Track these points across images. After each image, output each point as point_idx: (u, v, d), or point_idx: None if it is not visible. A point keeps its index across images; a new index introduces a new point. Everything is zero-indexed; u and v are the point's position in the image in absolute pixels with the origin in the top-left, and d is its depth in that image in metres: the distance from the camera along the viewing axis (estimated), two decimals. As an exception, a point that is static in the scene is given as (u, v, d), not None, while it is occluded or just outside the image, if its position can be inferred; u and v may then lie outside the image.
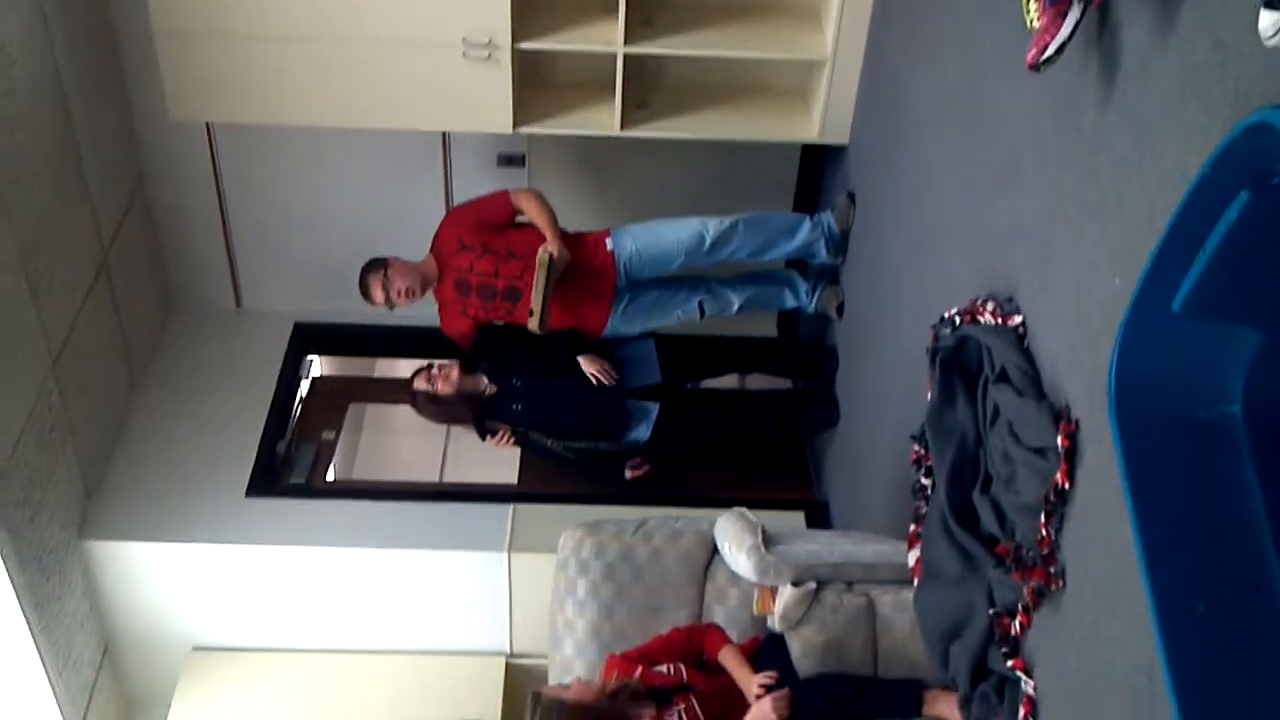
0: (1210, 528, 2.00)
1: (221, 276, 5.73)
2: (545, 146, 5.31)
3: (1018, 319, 2.91)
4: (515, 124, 4.74)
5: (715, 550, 3.83)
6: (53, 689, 4.53)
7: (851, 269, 4.80)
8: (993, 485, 2.92)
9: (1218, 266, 1.80)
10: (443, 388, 4.73)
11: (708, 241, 4.71)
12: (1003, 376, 2.87)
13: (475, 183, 5.16)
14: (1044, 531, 2.65)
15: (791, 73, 5.01)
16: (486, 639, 5.05)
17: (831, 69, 4.67)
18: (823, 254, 4.83)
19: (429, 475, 6.43)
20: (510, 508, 4.98)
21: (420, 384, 4.77)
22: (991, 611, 2.85)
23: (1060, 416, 2.62)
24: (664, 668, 3.45)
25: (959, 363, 3.07)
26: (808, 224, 4.83)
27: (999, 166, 3.15)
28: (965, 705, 3.01)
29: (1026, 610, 2.77)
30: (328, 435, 5.69)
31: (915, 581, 3.22)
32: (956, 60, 3.55)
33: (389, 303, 4.71)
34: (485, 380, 4.78)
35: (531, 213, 4.64)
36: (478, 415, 4.84)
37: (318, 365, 6.10)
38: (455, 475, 6.39)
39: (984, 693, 2.93)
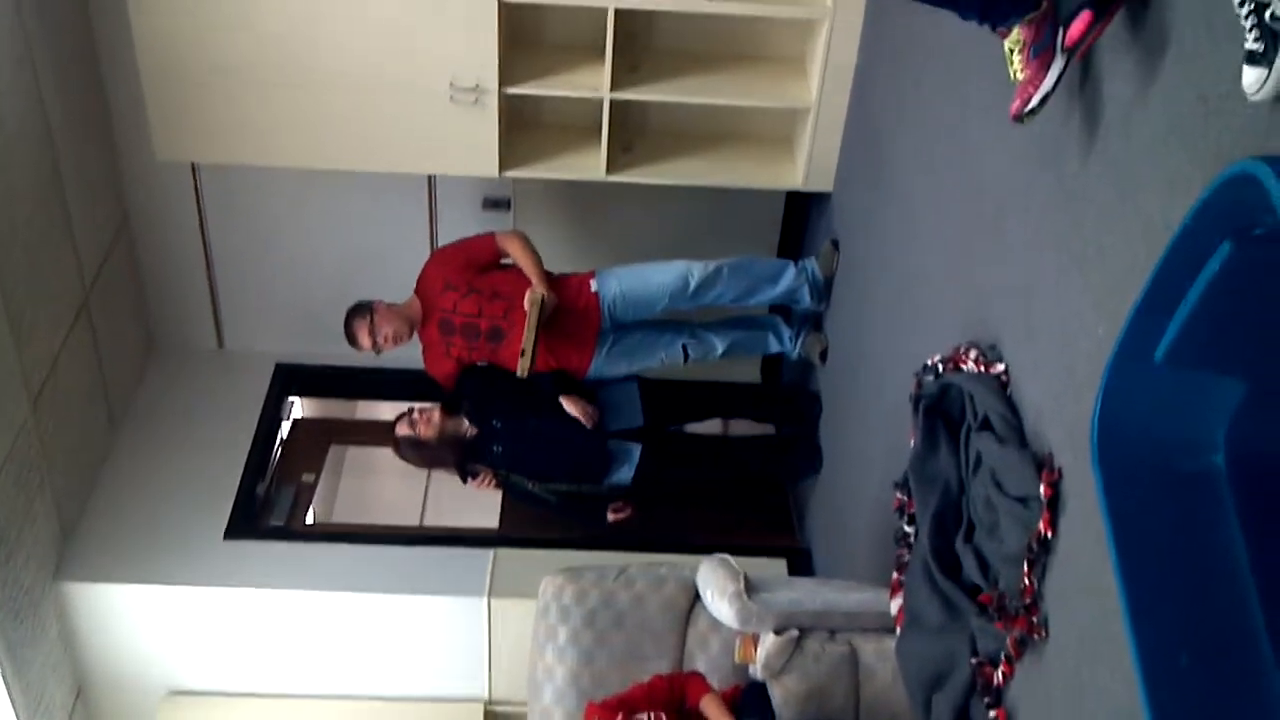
0: (1194, 578, 1.99)
1: (204, 316, 5.72)
2: (531, 189, 5.32)
3: (1000, 367, 2.91)
4: (501, 168, 4.77)
5: (697, 597, 3.81)
6: (24, 733, 4.47)
7: (835, 315, 4.81)
8: (975, 533, 2.91)
9: (1200, 317, 1.81)
10: (425, 431, 4.72)
11: (692, 285, 4.72)
12: (985, 424, 2.87)
13: (460, 225, 5.16)
14: (1027, 581, 2.65)
15: (776, 120, 5.04)
16: (465, 685, 5.00)
17: (816, 117, 4.70)
18: (806, 300, 4.84)
19: (410, 519, 6.38)
20: (491, 552, 4.95)
21: (403, 429, 4.76)
22: (974, 661, 2.83)
23: (1043, 465, 2.62)
24: (645, 715, 3.42)
25: (942, 410, 3.07)
26: (792, 270, 4.84)
27: (983, 215, 3.16)
28: (948, 756, 2.98)
29: (1009, 660, 2.75)
30: (308, 477, 5.66)
31: (898, 630, 3.21)
32: (940, 110, 3.57)
33: (375, 348, 4.70)
34: (466, 423, 4.77)
35: (516, 254, 4.64)
36: (460, 458, 4.82)
37: (299, 406, 6.08)
38: (436, 519, 6.35)
39: (967, 743, 2.91)
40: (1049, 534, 2.59)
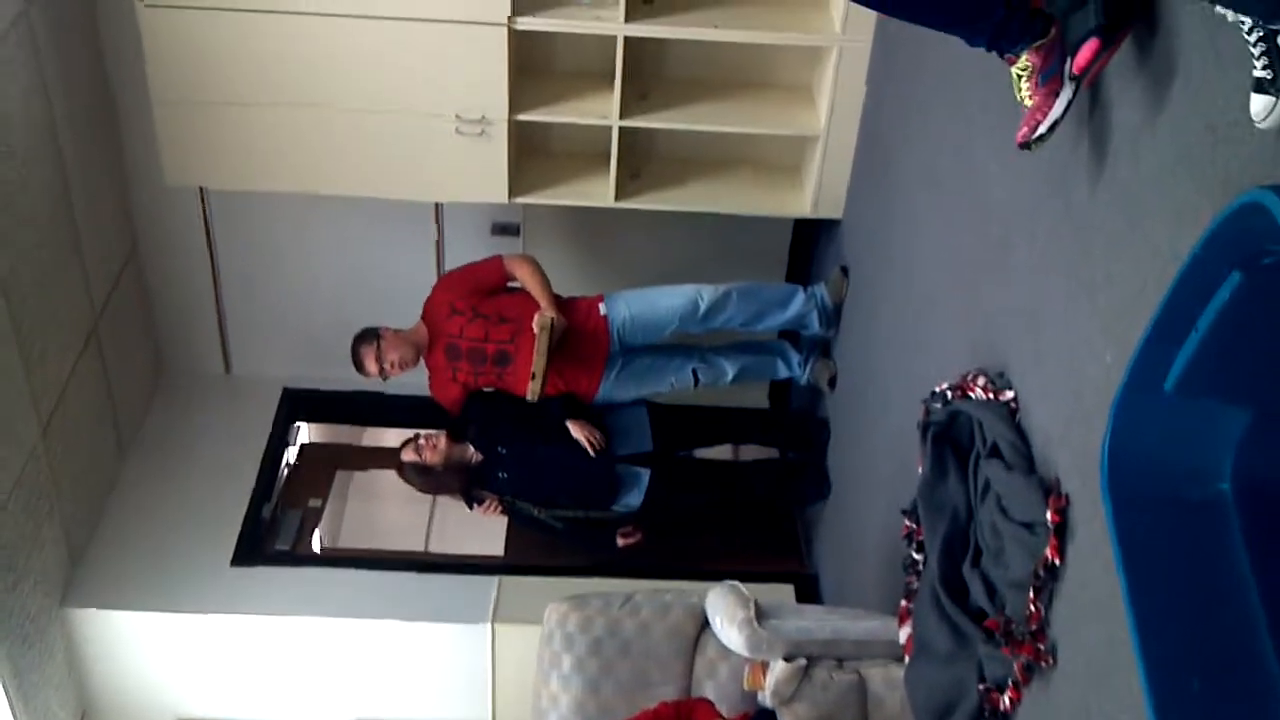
0: (1203, 605, 1.99)
1: (212, 342, 5.74)
2: (540, 215, 5.34)
3: (1009, 394, 2.92)
4: (511, 194, 4.78)
5: (705, 624, 3.80)
6: (29, 759, 4.47)
7: (844, 342, 4.81)
8: (983, 559, 2.91)
9: (1210, 346, 1.81)
10: (431, 457, 4.73)
11: (702, 309, 4.73)
12: (994, 451, 2.87)
13: (468, 251, 5.18)
14: (1033, 607, 2.64)
15: (785, 148, 5.06)
16: (470, 712, 4.99)
17: (825, 145, 4.71)
18: (815, 326, 4.85)
19: (415, 544, 6.38)
20: (496, 579, 4.95)
21: (408, 455, 4.77)
22: (982, 687, 2.83)
23: (1051, 491, 2.62)
24: (652, 742, 3.42)
25: (951, 437, 3.07)
26: (801, 296, 4.86)
27: (991, 242, 3.16)
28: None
29: (1017, 686, 2.75)
30: (314, 503, 5.66)
31: (907, 658, 3.20)
32: (949, 137, 3.58)
33: (382, 375, 4.71)
34: (472, 449, 4.78)
35: (525, 278, 4.65)
36: (465, 484, 4.82)
37: (305, 431, 6.09)
38: (441, 545, 6.35)
39: (976, 771, 2.90)
40: (1056, 560, 2.58)
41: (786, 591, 4.97)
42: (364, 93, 4.52)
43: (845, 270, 4.78)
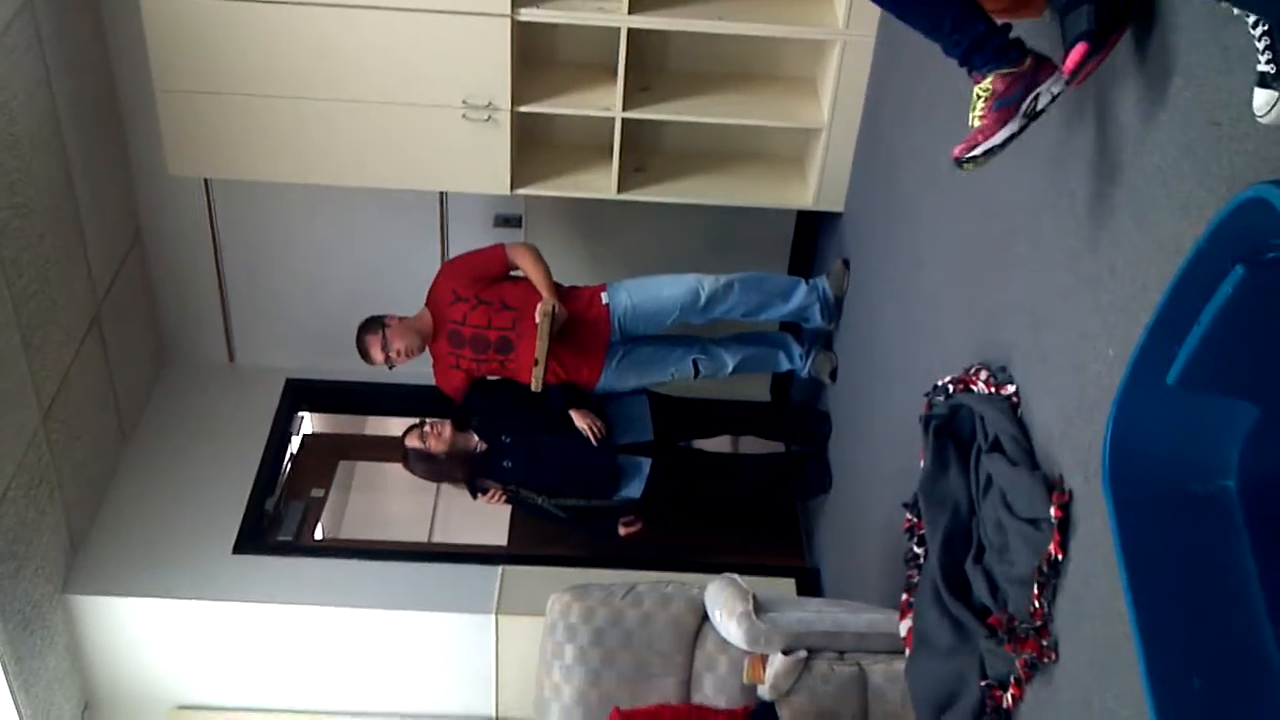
0: (1206, 602, 1.98)
1: (215, 331, 5.73)
2: (542, 207, 5.33)
3: (1011, 388, 2.91)
4: (513, 186, 4.77)
5: (705, 617, 3.80)
6: (31, 746, 4.47)
7: (845, 334, 4.81)
8: (985, 555, 2.90)
9: (1213, 340, 1.80)
10: (435, 445, 4.73)
11: (703, 299, 4.72)
12: (996, 446, 2.86)
13: (472, 241, 5.15)
14: (1037, 603, 2.63)
15: (788, 140, 5.05)
16: (473, 702, 5.00)
17: (828, 137, 4.70)
18: (817, 318, 4.84)
19: (418, 535, 6.39)
20: (499, 569, 4.95)
21: (413, 441, 4.76)
22: (983, 683, 2.82)
23: (1053, 487, 2.61)
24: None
25: (952, 431, 3.06)
26: (803, 287, 4.85)
27: (994, 236, 3.15)
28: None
29: (1019, 683, 2.74)
30: (317, 492, 5.67)
31: (907, 652, 3.19)
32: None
33: (388, 363, 4.70)
34: (476, 438, 4.77)
35: (526, 267, 4.65)
36: (469, 473, 4.82)
37: (308, 422, 6.09)
38: (445, 535, 6.35)
39: (976, 766, 2.89)
40: (1059, 556, 2.57)
41: (788, 585, 4.96)
42: (367, 83, 4.50)
43: (847, 263, 4.77)
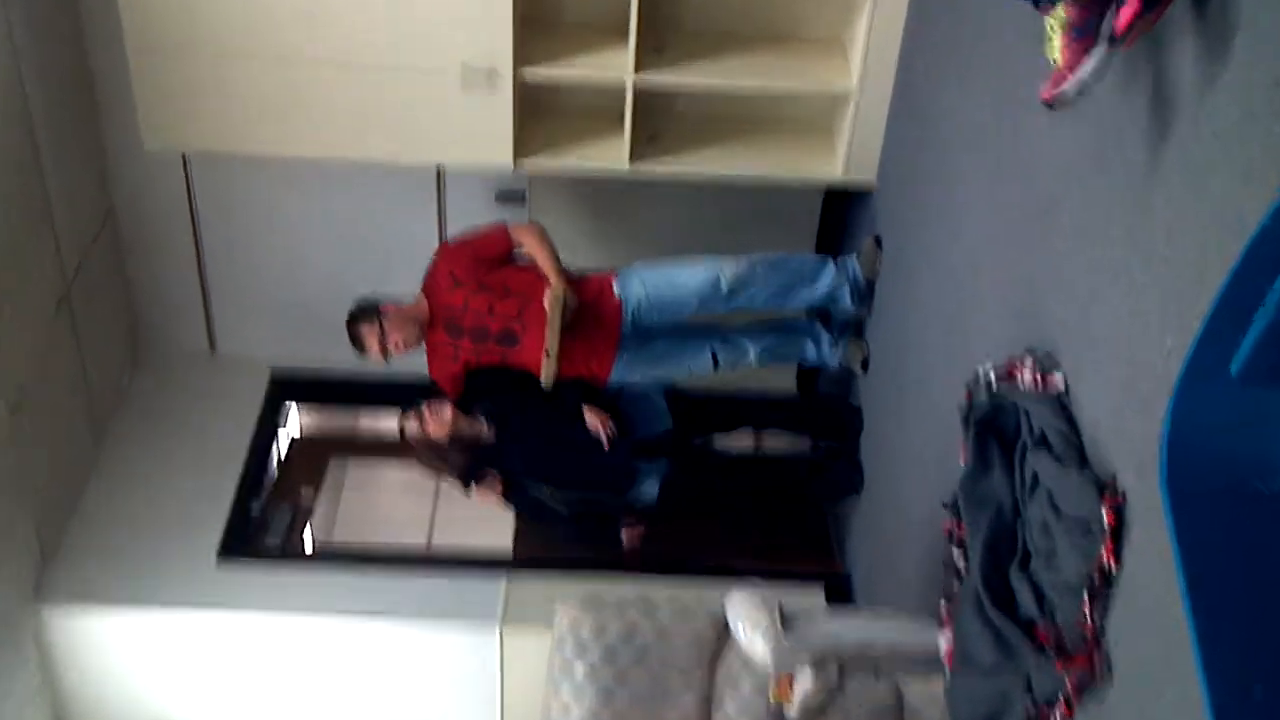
0: (1269, 606, 1.97)
1: (195, 318, 5.74)
2: (548, 181, 5.31)
3: (1058, 377, 2.88)
4: (516, 158, 4.75)
5: (727, 630, 3.77)
6: (-2, 770, 4.49)
7: (878, 320, 4.78)
8: (1031, 561, 2.87)
9: (1280, 327, 1.77)
10: (435, 429, 4.65)
11: (724, 286, 4.68)
12: (1042, 441, 2.83)
13: (472, 219, 5.13)
14: (1087, 615, 2.61)
15: (814, 107, 5.01)
16: (476, 720, 5.00)
17: (858, 103, 4.67)
18: (847, 302, 4.81)
19: (416, 538, 6.39)
20: (504, 577, 4.95)
21: (408, 425, 4.69)
22: (1030, 703, 2.79)
23: (1105, 487, 2.58)
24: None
25: (995, 425, 3.04)
26: (831, 268, 4.81)
27: (1039, 209, 3.13)
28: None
29: (1068, 702, 2.71)
30: (306, 494, 5.71)
31: (947, 669, 3.17)
32: (992, 94, 3.54)
33: (384, 355, 4.66)
34: (484, 422, 4.71)
35: (532, 248, 4.61)
36: (467, 464, 4.76)
37: (296, 417, 6.09)
38: (445, 538, 6.35)
39: (1021, 792, 2.87)
40: (1112, 563, 2.55)
41: (816, 591, 4.95)
42: (358, 46, 4.48)
43: (879, 241, 4.74)
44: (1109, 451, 2.64)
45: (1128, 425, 2.55)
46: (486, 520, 5.43)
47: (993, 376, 3.12)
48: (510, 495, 4.84)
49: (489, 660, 4.82)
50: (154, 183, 5.31)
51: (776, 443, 5.60)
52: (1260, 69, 2.08)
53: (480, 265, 4.64)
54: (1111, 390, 2.64)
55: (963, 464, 3.11)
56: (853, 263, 4.81)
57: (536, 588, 4.88)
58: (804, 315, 5.16)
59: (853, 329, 4.97)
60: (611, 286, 4.69)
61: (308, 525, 5.64)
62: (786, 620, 3.61)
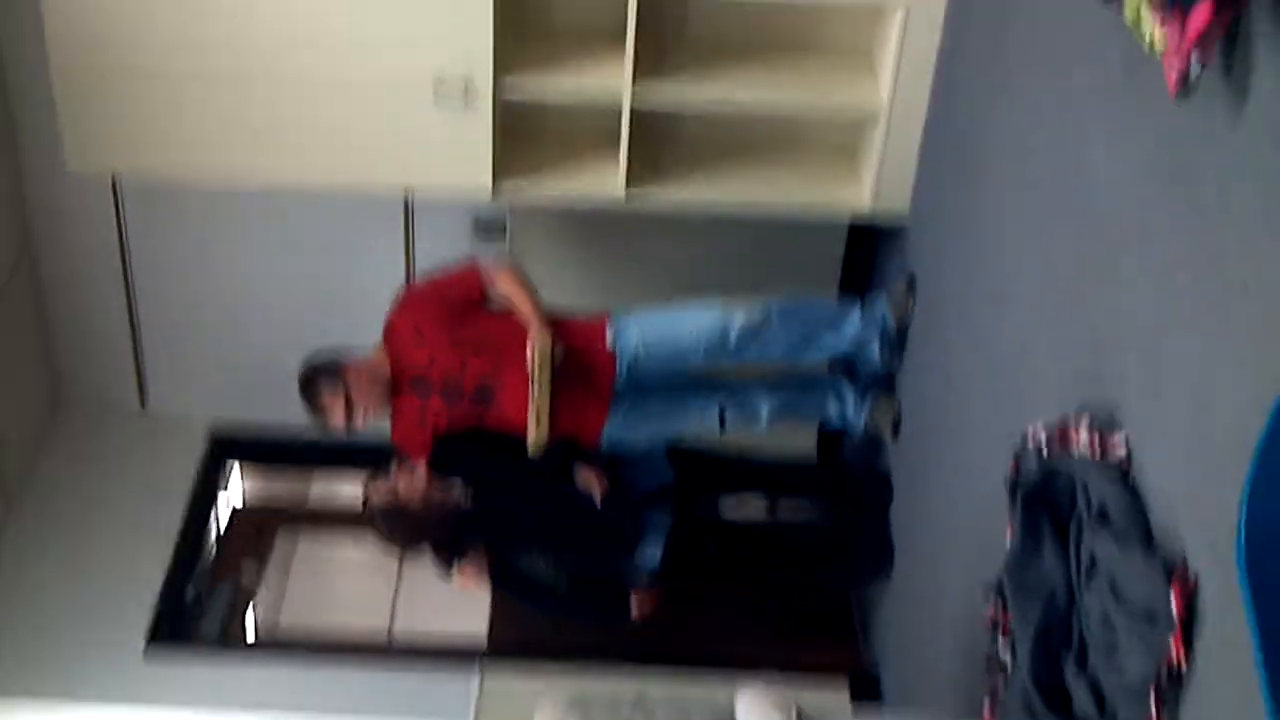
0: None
1: (123, 370, 5.76)
2: (531, 211, 5.35)
3: (1119, 439, 2.86)
4: (495, 183, 4.76)
5: (736, 733, 3.74)
6: None
7: (910, 375, 4.78)
8: (1090, 657, 2.85)
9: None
10: (406, 492, 4.60)
11: (733, 336, 4.69)
12: (1101, 516, 2.81)
13: (444, 256, 5.14)
14: (1154, 719, 2.57)
15: (838, 128, 5.04)
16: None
17: (888, 124, 4.69)
18: (875, 354, 4.81)
19: (376, 624, 6.37)
20: (477, 669, 4.95)
21: (376, 493, 4.64)
22: (1087, 823, 2.76)
23: (1173, 571, 2.56)
24: None
25: (1047, 498, 3.03)
26: (857, 314, 4.81)
27: (1096, 245, 3.14)
28: None
29: (1132, 822, 2.67)
30: (249, 572, 5.74)
31: (990, 782, 3.14)
32: (1043, 114, 3.56)
33: (349, 425, 4.60)
34: (460, 486, 4.67)
35: (510, 292, 4.61)
36: (445, 539, 4.73)
37: (239, 482, 6.09)
38: (409, 624, 6.33)
39: None
40: (1182, 659, 2.52)
41: (839, 689, 4.95)
42: (315, 56, 4.51)
43: (912, 282, 4.74)
44: (1180, 529, 2.62)
45: (1201, 497, 2.53)
46: (457, 601, 5.41)
47: (1044, 440, 3.11)
48: (497, 577, 4.80)
49: (459, 768, 4.80)
50: (79, 213, 5.34)
51: (793, 513, 5.58)
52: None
53: (449, 316, 4.62)
54: (1181, 456, 2.62)
55: (1009, 542, 3.10)
56: (882, 307, 4.81)
57: (513, 683, 4.89)
58: (826, 368, 5.16)
59: (881, 384, 4.96)
60: (604, 334, 4.68)
61: (250, 609, 5.65)
62: (804, 725, 3.58)
